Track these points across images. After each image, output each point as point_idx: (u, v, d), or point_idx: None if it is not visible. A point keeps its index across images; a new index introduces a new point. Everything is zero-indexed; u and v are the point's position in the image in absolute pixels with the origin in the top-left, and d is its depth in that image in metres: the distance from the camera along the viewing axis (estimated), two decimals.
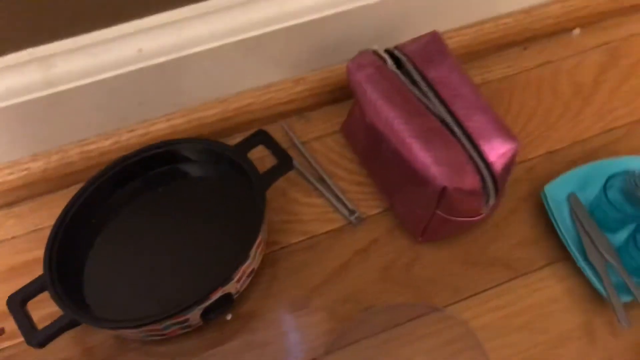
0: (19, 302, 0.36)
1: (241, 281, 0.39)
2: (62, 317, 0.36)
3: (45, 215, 0.45)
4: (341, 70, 0.47)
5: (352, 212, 0.45)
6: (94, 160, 0.45)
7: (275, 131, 0.48)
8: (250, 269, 0.39)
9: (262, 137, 0.44)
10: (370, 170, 0.46)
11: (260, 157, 0.44)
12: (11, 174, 0.44)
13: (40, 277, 0.37)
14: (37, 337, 0.35)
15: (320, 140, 0.50)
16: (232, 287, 0.38)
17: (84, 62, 0.39)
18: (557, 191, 0.43)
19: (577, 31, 0.56)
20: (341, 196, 0.45)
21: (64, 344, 0.40)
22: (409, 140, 0.36)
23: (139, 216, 0.42)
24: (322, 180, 0.47)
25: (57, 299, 0.36)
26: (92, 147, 0.45)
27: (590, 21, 0.56)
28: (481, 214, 0.39)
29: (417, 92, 0.38)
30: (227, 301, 0.38)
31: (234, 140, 0.44)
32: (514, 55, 0.55)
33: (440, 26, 0.45)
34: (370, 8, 0.45)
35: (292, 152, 0.48)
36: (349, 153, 0.49)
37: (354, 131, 0.46)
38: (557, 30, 0.56)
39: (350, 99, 0.48)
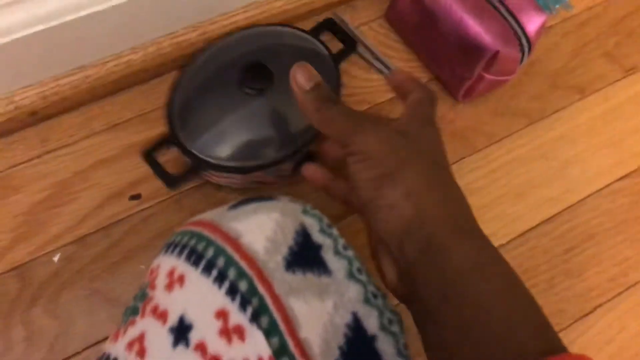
0: (150, 155, 0.46)
1: None
2: (190, 166, 0.45)
3: (148, 101, 0.52)
4: None
5: None
6: (185, 50, 0.52)
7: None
8: None
9: (329, 25, 0.54)
10: (416, 47, 0.55)
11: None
12: (116, 65, 0.51)
13: (165, 136, 0.46)
14: (172, 180, 0.45)
15: (367, 25, 0.58)
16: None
17: None
18: None
19: None
20: None
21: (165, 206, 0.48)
22: (465, 16, 0.45)
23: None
24: (376, 58, 0.56)
25: (185, 151, 0.44)
26: (182, 38, 0.52)
27: None
28: (514, 73, 0.49)
29: None
30: (312, 157, 0.47)
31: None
32: None
33: None
34: None
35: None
36: (394, 35, 0.58)
37: (401, 15, 0.54)
38: None
39: None
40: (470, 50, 0.46)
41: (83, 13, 0.44)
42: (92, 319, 0.44)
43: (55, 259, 0.45)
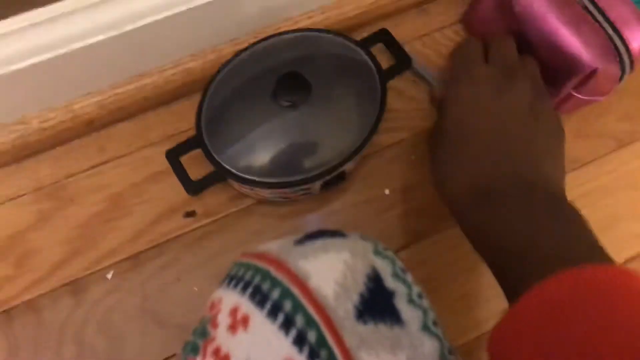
0: (175, 156, 0.43)
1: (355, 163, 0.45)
2: (213, 172, 0.42)
3: None
4: None
5: None
6: None
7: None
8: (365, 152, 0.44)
9: (384, 36, 0.48)
10: None
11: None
12: (174, 74, 0.48)
13: (193, 137, 0.43)
14: (193, 187, 0.43)
15: (440, 32, 0.54)
16: (348, 166, 0.44)
17: None
18: None
19: None
20: None
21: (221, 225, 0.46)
22: (561, 27, 0.40)
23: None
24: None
25: (209, 155, 0.42)
26: (244, 46, 0.48)
27: None
28: (608, 93, 0.44)
29: None
30: (341, 177, 0.45)
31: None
32: None
33: None
34: None
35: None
36: None
37: (482, 21, 0.49)
38: None
39: None
40: (563, 65, 0.42)
41: (141, 22, 0.42)
42: (143, 340, 0.42)
43: (109, 276, 0.44)
